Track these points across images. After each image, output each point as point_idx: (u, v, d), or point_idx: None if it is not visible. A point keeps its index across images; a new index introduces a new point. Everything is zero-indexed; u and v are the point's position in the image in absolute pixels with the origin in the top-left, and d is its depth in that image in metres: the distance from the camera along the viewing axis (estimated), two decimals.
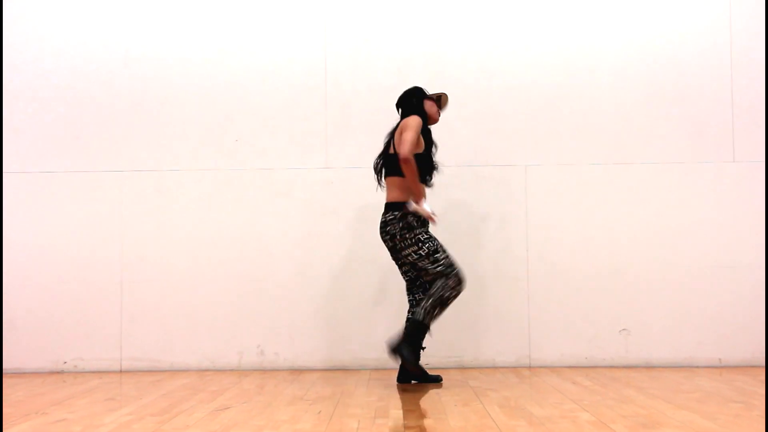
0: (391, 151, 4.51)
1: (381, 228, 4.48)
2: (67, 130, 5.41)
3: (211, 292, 5.33)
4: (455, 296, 4.40)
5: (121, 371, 5.28)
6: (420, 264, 4.41)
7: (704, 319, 5.22)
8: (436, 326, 4.64)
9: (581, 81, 5.37)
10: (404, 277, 4.66)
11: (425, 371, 4.52)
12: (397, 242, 4.40)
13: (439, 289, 4.36)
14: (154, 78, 5.44)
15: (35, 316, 5.30)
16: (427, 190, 4.53)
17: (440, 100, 4.69)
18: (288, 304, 5.31)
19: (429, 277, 4.42)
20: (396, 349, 4.32)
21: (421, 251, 4.38)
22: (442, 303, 4.36)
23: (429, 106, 4.59)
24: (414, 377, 4.49)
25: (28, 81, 5.42)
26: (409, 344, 4.33)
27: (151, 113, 5.43)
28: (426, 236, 4.40)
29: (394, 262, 4.63)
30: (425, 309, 4.34)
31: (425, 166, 4.47)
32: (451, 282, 4.36)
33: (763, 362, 5.15)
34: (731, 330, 5.20)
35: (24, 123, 5.40)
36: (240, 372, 5.19)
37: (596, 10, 5.40)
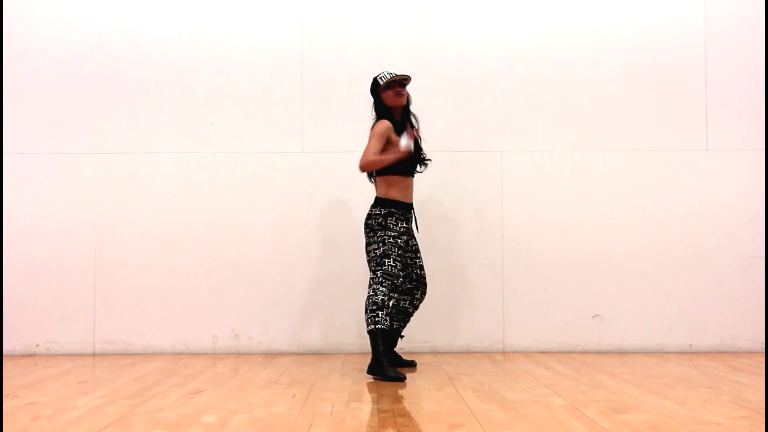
0: None
1: (365, 219, 4.47)
2: (40, 112, 5.34)
3: (185, 276, 5.30)
4: (392, 297, 4.40)
5: (94, 354, 5.25)
6: (369, 265, 4.42)
7: (676, 306, 5.28)
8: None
9: (557, 69, 5.39)
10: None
11: (400, 358, 4.58)
12: (369, 236, 4.42)
13: (373, 294, 4.29)
14: (129, 60, 5.38)
15: (7, 299, 5.25)
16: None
17: (391, 85, 4.44)
18: (263, 288, 5.30)
19: (371, 277, 4.40)
20: (371, 373, 4.28)
21: (376, 250, 4.37)
22: (380, 306, 4.27)
23: (387, 98, 4.45)
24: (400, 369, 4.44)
25: None
26: (378, 358, 4.24)
27: (125, 95, 5.37)
28: (390, 240, 4.36)
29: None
30: (369, 319, 4.29)
31: (406, 161, 4.40)
32: (381, 290, 4.29)
33: (734, 348, 5.23)
34: (702, 316, 5.27)
35: None
36: (214, 356, 5.18)
37: None
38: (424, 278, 4.61)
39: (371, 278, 4.37)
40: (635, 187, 5.33)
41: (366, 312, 4.30)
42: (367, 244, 4.42)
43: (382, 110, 4.48)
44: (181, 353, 5.25)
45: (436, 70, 5.36)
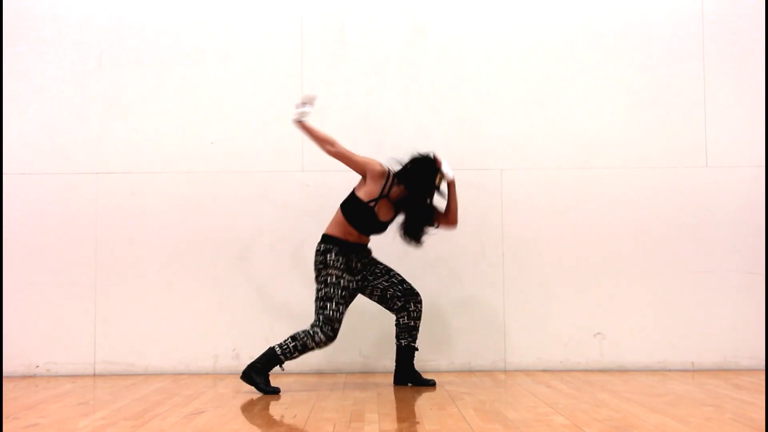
0: None
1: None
2: (41, 132, 5.36)
3: (185, 296, 5.29)
4: (315, 348, 4.44)
5: (94, 375, 5.24)
6: (315, 301, 4.47)
7: (677, 323, 5.27)
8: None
9: (556, 86, 5.41)
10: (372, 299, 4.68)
11: (419, 377, 4.59)
12: (315, 273, 4.49)
13: (307, 337, 4.38)
14: (129, 79, 5.40)
15: (6, 319, 5.24)
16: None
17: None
18: (263, 307, 5.29)
19: (315, 317, 4.46)
20: (244, 375, 4.42)
21: (320, 291, 4.44)
22: (303, 349, 4.40)
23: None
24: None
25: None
26: (259, 371, 4.39)
27: (126, 115, 5.38)
28: (333, 281, 4.40)
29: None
30: (287, 346, 4.39)
31: (370, 225, 4.50)
32: (318, 336, 4.38)
33: (736, 366, 5.21)
34: (704, 334, 5.25)
35: None
36: (215, 376, 5.16)
37: (570, 15, 5.43)
38: (411, 289, 4.60)
39: (315, 318, 4.42)
40: (635, 203, 5.33)
41: (293, 338, 4.39)
42: (315, 279, 4.49)
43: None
44: (182, 373, 5.24)
45: (436, 88, 5.38)
